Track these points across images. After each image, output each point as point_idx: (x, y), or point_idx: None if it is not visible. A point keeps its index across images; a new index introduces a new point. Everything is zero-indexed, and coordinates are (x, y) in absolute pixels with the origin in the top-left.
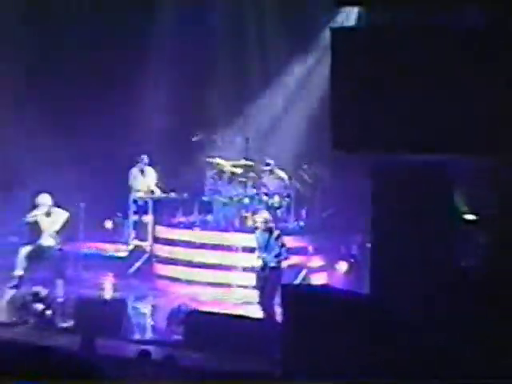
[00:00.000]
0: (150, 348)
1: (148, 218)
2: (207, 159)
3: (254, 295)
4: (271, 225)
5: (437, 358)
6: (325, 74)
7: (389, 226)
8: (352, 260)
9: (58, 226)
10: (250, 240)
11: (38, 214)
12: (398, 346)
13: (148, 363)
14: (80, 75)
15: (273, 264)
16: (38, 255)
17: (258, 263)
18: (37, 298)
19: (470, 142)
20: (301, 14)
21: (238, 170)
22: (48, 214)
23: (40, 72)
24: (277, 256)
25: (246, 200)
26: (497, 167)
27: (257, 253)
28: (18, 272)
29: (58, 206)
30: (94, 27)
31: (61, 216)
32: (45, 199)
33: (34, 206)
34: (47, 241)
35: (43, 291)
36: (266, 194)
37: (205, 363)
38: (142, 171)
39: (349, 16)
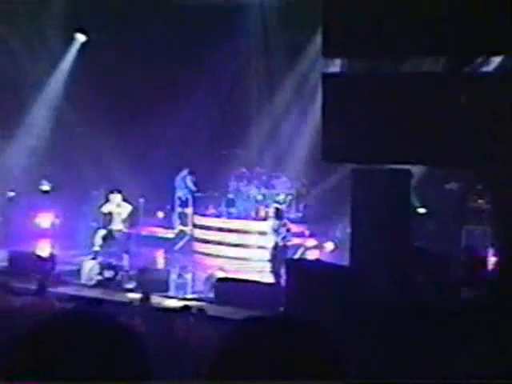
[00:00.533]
0: (190, 303)
1: (188, 210)
2: (235, 168)
3: (267, 266)
4: (280, 215)
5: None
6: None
7: (363, 217)
8: (336, 241)
9: (124, 216)
10: (264, 226)
11: (110, 207)
12: (372, 305)
13: (188, 314)
14: (144, 90)
15: (281, 244)
16: (110, 236)
17: (271, 243)
18: (109, 266)
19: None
20: None
21: (254, 175)
22: (118, 206)
23: (114, 86)
24: (283, 238)
25: (260, 197)
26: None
27: (269, 235)
28: (96, 248)
29: (125, 200)
30: (161, 52)
31: (126, 208)
32: (115, 196)
33: (107, 201)
34: (117, 226)
35: (113, 262)
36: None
37: (229, 315)
38: (184, 178)
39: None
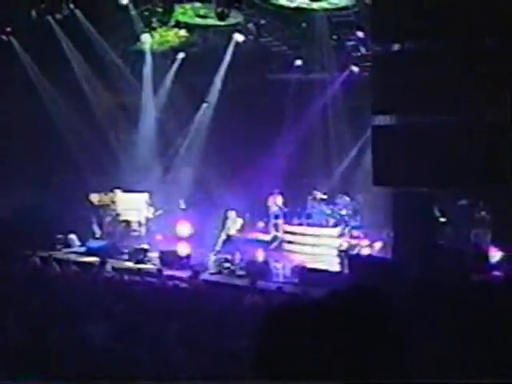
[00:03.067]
0: (283, 286)
1: (280, 221)
2: (311, 192)
3: (336, 260)
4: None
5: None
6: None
7: (402, 224)
8: (383, 241)
9: (238, 226)
10: (333, 232)
11: (229, 222)
12: (409, 287)
13: (282, 294)
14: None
15: (346, 243)
16: (228, 240)
17: (338, 242)
18: (227, 260)
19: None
20: None
21: (324, 196)
22: (233, 221)
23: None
24: (349, 239)
25: (329, 211)
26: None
27: (337, 239)
28: (217, 247)
29: (239, 216)
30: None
31: (239, 221)
32: (231, 212)
33: (226, 217)
34: (232, 233)
35: (229, 257)
36: (339, 209)
37: (308, 295)
38: (275, 199)
39: None
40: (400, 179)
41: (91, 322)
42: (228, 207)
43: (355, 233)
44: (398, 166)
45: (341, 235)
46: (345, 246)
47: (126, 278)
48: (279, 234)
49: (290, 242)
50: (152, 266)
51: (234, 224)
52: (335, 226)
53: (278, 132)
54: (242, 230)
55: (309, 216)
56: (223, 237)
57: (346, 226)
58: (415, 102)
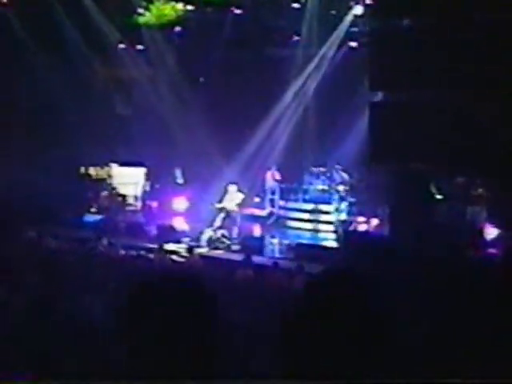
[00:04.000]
0: (278, 261)
1: (276, 197)
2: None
3: (332, 235)
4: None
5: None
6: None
7: (398, 201)
8: (380, 218)
9: (238, 201)
10: (329, 207)
11: (227, 196)
12: (403, 260)
13: (278, 270)
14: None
15: (342, 218)
16: (227, 215)
17: (335, 218)
18: (223, 235)
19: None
20: None
21: (321, 172)
22: (233, 195)
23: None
24: (345, 214)
25: (326, 187)
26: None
27: (333, 214)
28: (216, 223)
29: (239, 191)
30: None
31: (240, 197)
32: (232, 186)
33: (226, 191)
34: (231, 207)
35: (226, 233)
36: (336, 185)
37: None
38: (273, 174)
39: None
40: (397, 156)
41: (88, 297)
42: (226, 182)
43: (352, 209)
44: (395, 143)
45: (337, 211)
46: (341, 222)
47: (122, 252)
48: (275, 210)
49: (285, 218)
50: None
51: (235, 198)
52: (332, 201)
53: (276, 107)
54: (242, 204)
55: (305, 192)
56: (222, 213)
57: (343, 201)
58: (412, 78)
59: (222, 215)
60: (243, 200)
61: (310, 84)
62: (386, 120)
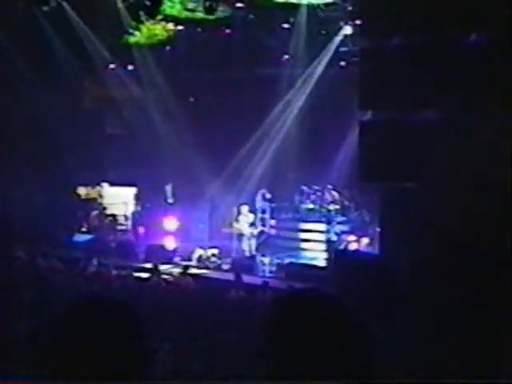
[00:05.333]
0: (269, 280)
1: (267, 216)
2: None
3: (323, 255)
4: (330, 218)
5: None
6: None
7: (388, 221)
8: (370, 237)
9: (250, 221)
10: (320, 226)
11: (242, 217)
12: (395, 281)
13: (267, 289)
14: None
15: (333, 238)
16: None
17: (325, 237)
18: (214, 255)
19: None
20: None
21: (311, 191)
22: (245, 215)
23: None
24: (335, 233)
25: (316, 207)
26: None
27: (325, 232)
28: (245, 246)
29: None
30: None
31: (252, 216)
32: (244, 208)
33: (239, 212)
34: (244, 228)
35: (217, 252)
36: (327, 204)
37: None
38: (264, 194)
39: None
40: (387, 175)
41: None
42: (215, 201)
43: (342, 228)
44: (385, 162)
45: (327, 230)
46: (332, 241)
47: (113, 272)
48: (266, 229)
49: (276, 237)
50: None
51: (248, 219)
52: (322, 221)
53: (266, 126)
54: (253, 224)
55: (296, 211)
56: (241, 235)
57: (333, 221)
58: (402, 98)
59: (242, 236)
60: (254, 220)
61: (300, 103)
62: (376, 138)
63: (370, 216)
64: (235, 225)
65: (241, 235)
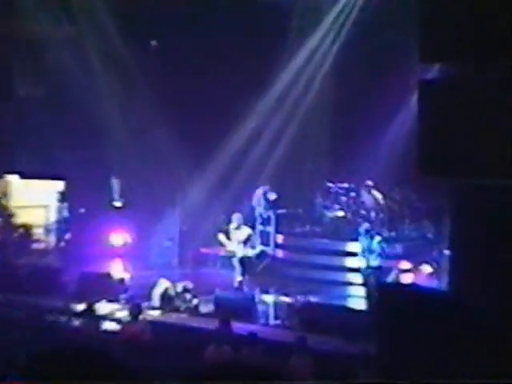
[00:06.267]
0: (274, 330)
1: (270, 229)
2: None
3: (359, 292)
4: (371, 232)
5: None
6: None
7: (466, 236)
8: (434, 264)
9: (243, 238)
10: (355, 246)
11: (231, 228)
12: (474, 337)
13: (271, 344)
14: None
15: (375, 263)
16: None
17: (363, 264)
18: (186, 289)
19: None
20: None
21: (340, 191)
22: (237, 228)
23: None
24: (378, 256)
25: (349, 214)
26: None
27: (361, 254)
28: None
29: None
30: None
31: (246, 232)
32: (236, 217)
33: (230, 221)
34: (234, 249)
35: (190, 285)
36: (365, 210)
37: (317, 345)
38: (265, 193)
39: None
40: (462, 166)
41: None
42: (189, 206)
43: (389, 249)
44: (459, 145)
45: (367, 252)
46: (373, 268)
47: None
48: (269, 249)
49: (285, 262)
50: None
51: (239, 233)
52: (359, 237)
53: (271, 90)
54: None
55: (317, 221)
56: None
57: (376, 237)
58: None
59: (232, 260)
60: (250, 237)
61: (327, 52)
62: (446, 107)
63: (433, 230)
64: (222, 241)
65: (230, 258)
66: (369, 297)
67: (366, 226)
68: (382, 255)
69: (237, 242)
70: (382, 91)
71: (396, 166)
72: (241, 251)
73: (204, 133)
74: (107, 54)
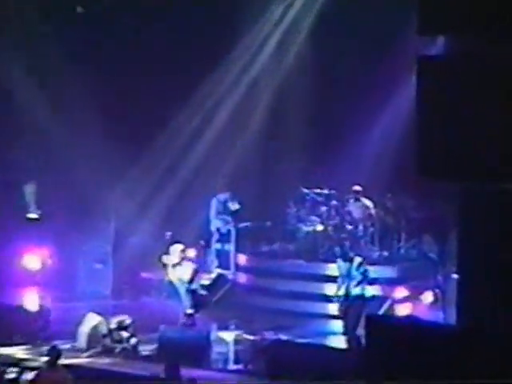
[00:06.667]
0: (233, 377)
1: (231, 247)
2: (293, 189)
3: (337, 325)
4: (350, 254)
5: None
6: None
7: (477, 256)
8: (437, 291)
9: (187, 277)
10: (332, 269)
11: (169, 262)
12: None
13: None
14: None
15: (356, 292)
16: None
17: (341, 292)
18: (121, 327)
19: None
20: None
21: (320, 197)
22: (178, 264)
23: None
24: (359, 284)
25: (329, 229)
26: None
27: (339, 281)
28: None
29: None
30: None
31: (190, 267)
32: (176, 249)
33: (167, 252)
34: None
35: (127, 321)
36: (351, 224)
37: None
38: (224, 203)
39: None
40: (474, 164)
41: None
42: (125, 220)
43: (381, 272)
44: (466, 139)
45: (348, 276)
46: (356, 297)
47: None
48: (229, 273)
49: (249, 289)
50: None
51: (183, 272)
52: (342, 256)
53: (231, 65)
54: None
55: (290, 238)
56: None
57: (355, 259)
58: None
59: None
60: (196, 273)
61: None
62: (450, 91)
63: (437, 248)
64: (166, 263)
65: (179, 285)
66: (352, 333)
67: (351, 242)
68: (364, 282)
69: (188, 263)
70: (372, 74)
71: (389, 167)
72: (188, 275)
73: (146, 128)
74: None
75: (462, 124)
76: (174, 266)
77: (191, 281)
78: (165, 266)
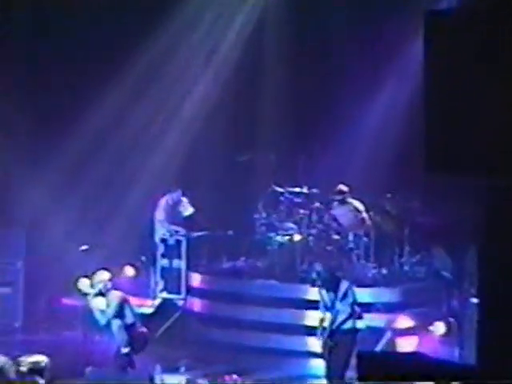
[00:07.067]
0: None
1: (182, 263)
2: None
3: (320, 366)
4: (338, 274)
5: None
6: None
7: (505, 274)
8: (451, 320)
9: (111, 311)
10: (314, 292)
11: (91, 292)
12: None
13: None
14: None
15: (344, 327)
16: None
17: (324, 324)
18: (35, 369)
19: None
20: None
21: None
22: (101, 294)
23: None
24: (347, 320)
25: (310, 238)
26: None
27: (321, 311)
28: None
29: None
30: None
31: (116, 298)
32: (102, 276)
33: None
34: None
35: (43, 360)
36: (338, 233)
37: None
38: (175, 205)
39: None
40: (490, 156)
41: None
42: (43, 227)
43: (378, 296)
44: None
45: (331, 305)
46: (344, 330)
47: None
48: (178, 297)
49: (206, 319)
50: None
51: (101, 305)
52: (324, 282)
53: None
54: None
55: (259, 251)
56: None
57: (341, 283)
58: None
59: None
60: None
61: None
62: (462, 56)
63: (450, 264)
64: (85, 291)
65: (101, 318)
66: (334, 381)
67: (336, 255)
68: (352, 313)
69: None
70: (366, 41)
71: (388, 160)
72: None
73: (68, 119)
74: None
75: (484, 97)
76: (97, 295)
77: (120, 314)
78: (83, 294)
